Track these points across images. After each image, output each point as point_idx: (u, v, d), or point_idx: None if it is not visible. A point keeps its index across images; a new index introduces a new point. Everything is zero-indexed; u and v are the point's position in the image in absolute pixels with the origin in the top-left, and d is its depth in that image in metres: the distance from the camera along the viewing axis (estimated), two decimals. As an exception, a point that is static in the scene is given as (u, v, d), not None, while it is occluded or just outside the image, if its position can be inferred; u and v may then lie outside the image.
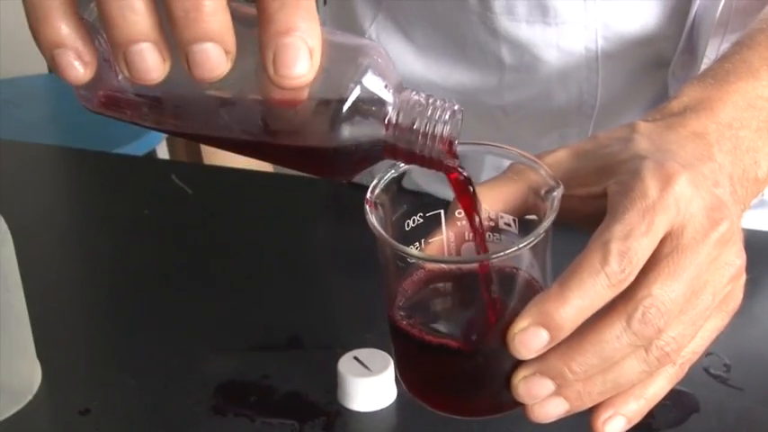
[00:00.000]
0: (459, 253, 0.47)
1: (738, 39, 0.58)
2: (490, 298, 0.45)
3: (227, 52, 0.37)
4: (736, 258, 0.45)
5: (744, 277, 0.46)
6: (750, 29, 0.59)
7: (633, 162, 0.45)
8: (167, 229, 0.80)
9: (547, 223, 0.43)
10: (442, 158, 0.42)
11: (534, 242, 0.43)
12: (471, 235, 0.46)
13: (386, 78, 0.41)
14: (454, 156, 0.42)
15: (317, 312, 0.70)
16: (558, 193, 0.44)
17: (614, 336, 0.42)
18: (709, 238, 0.43)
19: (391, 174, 0.46)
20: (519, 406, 0.45)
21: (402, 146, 0.42)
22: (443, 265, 0.47)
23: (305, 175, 0.92)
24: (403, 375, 0.49)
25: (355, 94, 0.40)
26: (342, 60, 0.40)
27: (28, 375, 0.63)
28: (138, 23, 0.36)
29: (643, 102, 0.75)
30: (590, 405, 0.44)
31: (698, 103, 0.51)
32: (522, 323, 0.42)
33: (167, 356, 0.65)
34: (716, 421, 0.60)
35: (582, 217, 0.47)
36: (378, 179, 0.46)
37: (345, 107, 0.40)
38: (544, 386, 0.43)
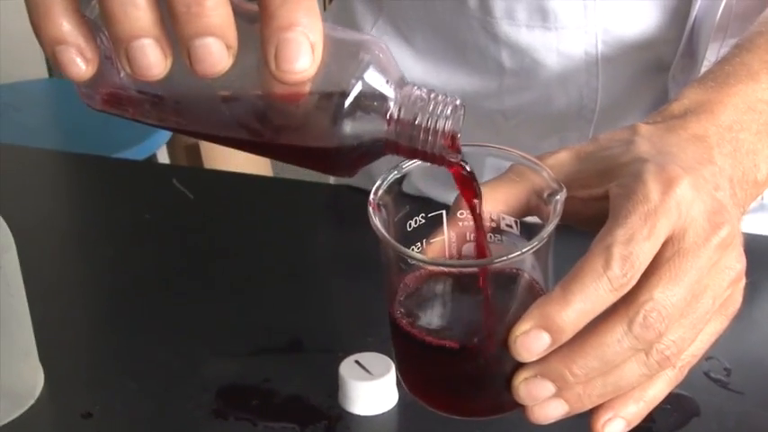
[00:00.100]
0: (460, 253, 0.47)
1: (738, 42, 0.58)
2: (492, 300, 0.45)
3: (228, 47, 0.37)
4: (737, 262, 0.45)
5: (743, 281, 0.46)
6: (750, 32, 0.59)
7: (635, 165, 0.45)
8: (168, 233, 0.81)
9: (550, 227, 0.43)
10: (444, 153, 0.42)
11: (537, 246, 0.43)
12: (473, 232, 0.46)
13: (387, 74, 0.41)
14: (456, 150, 0.42)
15: (318, 316, 0.70)
16: (561, 197, 0.44)
17: (615, 339, 0.42)
18: (710, 242, 0.43)
19: (394, 175, 0.46)
20: (519, 407, 0.45)
21: (404, 141, 0.41)
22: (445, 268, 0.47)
23: (305, 179, 0.92)
24: (404, 375, 0.49)
25: (357, 89, 0.40)
26: (343, 56, 0.40)
27: (30, 379, 0.63)
28: (139, 19, 0.36)
29: (643, 106, 0.75)
30: (590, 407, 0.45)
31: (698, 105, 0.51)
32: (523, 326, 0.42)
33: (169, 360, 0.66)
34: (716, 425, 0.60)
35: (583, 218, 0.47)
36: (380, 180, 0.46)
37: (347, 103, 0.39)
38: (545, 388, 0.43)
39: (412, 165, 0.46)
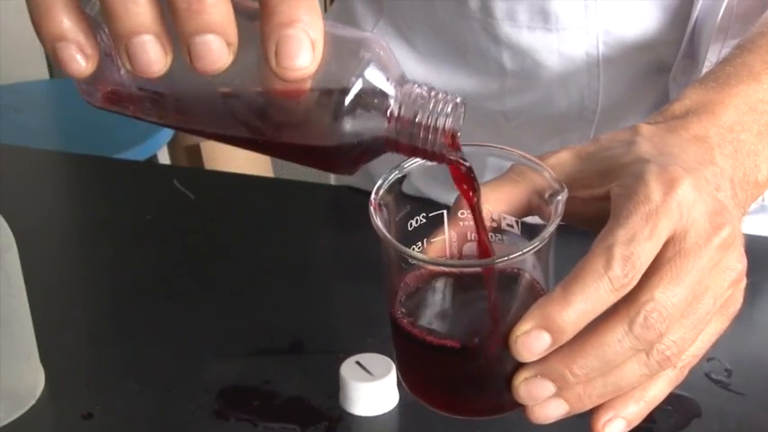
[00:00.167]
0: (461, 253, 0.47)
1: (740, 42, 0.58)
2: (492, 299, 0.45)
3: (228, 44, 0.37)
4: (738, 263, 0.45)
5: (744, 282, 0.46)
6: (751, 32, 0.59)
7: (636, 165, 0.45)
8: (169, 233, 0.81)
9: (551, 228, 0.43)
10: (444, 151, 0.42)
11: (539, 246, 0.43)
12: (474, 232, 0.46)
13: (388, 71, 0.41)
14: (456, 148, 0.42)
15: (319, 317, 0.70)
16: (562, 198, 0.44)
17: (616, 339, 0.42)
18: (711, 242, 0.43)
19: (395, 174, 0.46)
20: (519, 407, 0.45)
21: (404, 139, 0.41)
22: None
23: (306, 180, 0.93)
24: (404, 375, 0.49)
25: (357, 86, 0.40)
26: (344, 53, 0.40)
27: (31, 380, 0.63)
28: (139, 15, 0.36)
29: (644, 107, 0.75)
30: (590, 407, 0.45)
31: (700, 106, 0.51)
32: (524, 326, 0.42)
33: (169, 361, 0.66)
34: (717, 426, 0.60)
35: (584, 219, 0.47)
36: (382, 180, 0.46)
37: (347, 100, 0.39)
38: (545, 388, 0.43)
39: (413, 164, 0.46)
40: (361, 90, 0.40)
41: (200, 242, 0.79)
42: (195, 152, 1.99)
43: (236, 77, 0.39)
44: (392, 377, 0.61)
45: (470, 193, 0.45)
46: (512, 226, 0.47)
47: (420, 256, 0.46)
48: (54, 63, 0.38)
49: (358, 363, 0.61)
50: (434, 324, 0.46)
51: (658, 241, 0.43)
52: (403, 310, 0.46)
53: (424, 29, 0.79)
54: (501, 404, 0.46)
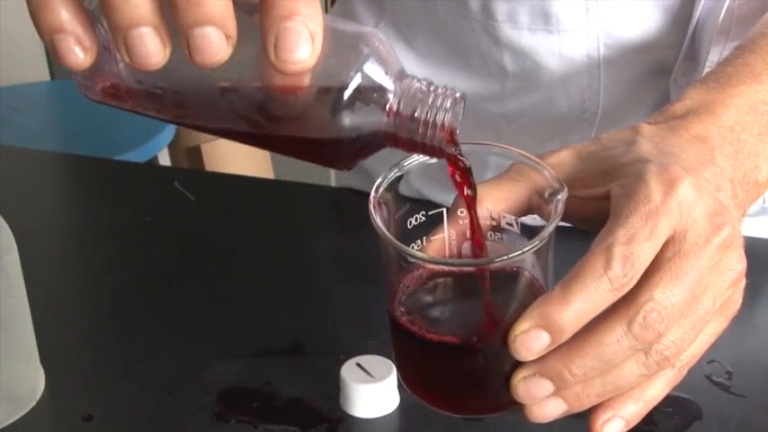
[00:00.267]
0: (460, 251, 0.47)
1: (741, 43, 0.58)
2: (492, 298, 0.45)
3: (227, 37, 0.37)
4: (737, 263, 0.45)
5: (744, 282, 0.46)
6: (752, 33, 0.59)
7: (636, 165, 0.45)
8: (170, 235, 0.81)
9: (551, 227, 0.43)
10: (442, 146, 0.42)
11: (538, 246, 0.43)
12: (469, 228, 0.46)
13: (387, 66, 0.41)
14: (455, 143, 0.42)
15: (320, 319, 0.70)
16: (562, 197, 0.44)
17: (615, 339, 0.42)
18: (711, 242, 0.43)
19: (395, 173, 0.46)
20: (517, 405, 0.45)
21: (403, 133, 0.41)
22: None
23: (307, 181, 0.92)
24: (403, 374, 0.49)
25: (356, 81, 0.40)
26: (343, 47, 0.40)
27: (31, 381, 0.63)
28: (138, 7, 0.36)
29: (645, 109, 0.75)
30: (588, 406, 0.45)
31: (700, 106, 0.51)
32: (523, 325, 0.42)
33: (170, 362, 0.66)
34: (718, 428, 0.60)
35: (583, 218, 0.47)
36: (381, 178, 0.46)
37: (346, 94, 0.39)
38: (543, 387, 0.43)
39: (413, 163, 0.46)
40: (360, 84, 0.40)
41: (201, 244, 0.79)
42: (196, 154, 2.00)
43: (234, 71, 0.39)
44: (393, 379, 0.60)
45: (466, 189, 0.44)
46: (511, 225, 0.47)
47: (419, 254, 0.46)
48: (52, 56, 0.38)
49: (358, 364, 0.61)
50: (433, 322, 0.46)
51: (658, 241, 0.43)
52: (402, 308, 0.46)
53: (424, 30, 0.79)
54: (499, 403, 0.46)
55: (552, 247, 0.45)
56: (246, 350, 0.66)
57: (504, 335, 0.43)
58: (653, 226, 0.42)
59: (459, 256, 0.47)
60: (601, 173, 0.47)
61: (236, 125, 0.41)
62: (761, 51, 0.55)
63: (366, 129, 0.41)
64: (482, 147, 0.47)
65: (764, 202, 0.79)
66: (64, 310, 0.72)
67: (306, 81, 0.39)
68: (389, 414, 0.61)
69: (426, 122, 0.41)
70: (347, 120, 0.40)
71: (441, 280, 0.47)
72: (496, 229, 0.47)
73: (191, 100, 0.41)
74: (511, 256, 0.43)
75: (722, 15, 0.68)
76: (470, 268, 0.46)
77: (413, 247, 0.47)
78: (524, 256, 0.43)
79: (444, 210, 0.47)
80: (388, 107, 0.41)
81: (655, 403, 0.46)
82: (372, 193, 0.45)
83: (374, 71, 0.40)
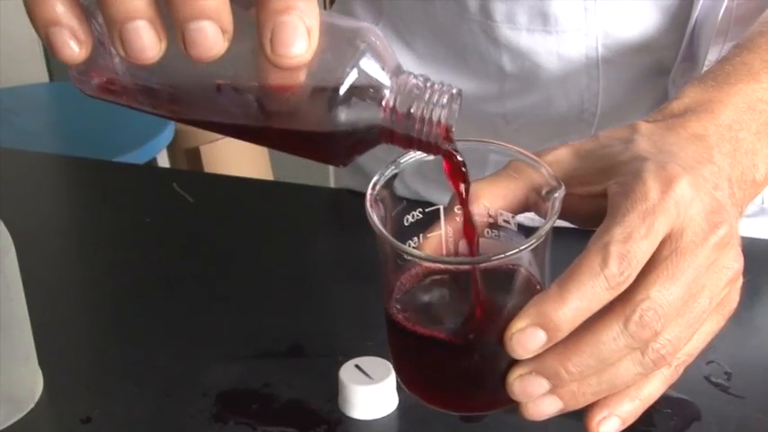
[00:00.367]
0: (457, 249, 0.47)
1: (739, 41, 0.58)
2: (488, 296, 0.45)
3: (223, 31, 0.37)
4: (734, 262, 0.45)
5: (741, 281, 0.46)
6: (750, 32, 0.59)
7: (634, 163, 0.45)
8: (168, 237, 0.81)
9: (548, 225, 0.43)
10: (438, 143, 0.42)
11: (535, 244, 0.43)
12: (462, 225, 0.46)
13: (383, 61, 0.40)
14: (451, 140, 0.42)
15: (319, 320, 0.70)
16: (559, 195, 0.44)
17: (611, 337, 0.42)
18: (708, 241, 0.43)
19: (391, 170, 0.46)
20: (513, 403, 0.45)
21: (399, 129, 0.41)
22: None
23: (306, 183, 0.92)
24: (399, 370, 0.49)
25: (352, 76, 0.39)
26: (339, 43, 0.40)
27: (30, 383, 0.63)
28: (133, 1, 0.36)
29: (644, 109, 0.75)
30: (584, 404, 0.45)
31: (698, 104, 0.51)
32: (520, 323, 0.42)
33: (169, 364, 0.65)
34: (717, 429, 0.60)
35: (581, 216, 0.47)
36: (378, 175, 0.46)
37: (342, 90, 0.39)
38: (539, 385, 0.43)
39: (409, 160, 0.46)
40: (356, 80, 0.39)
41: (200, 245, 0.79)
42: (195, 155, 2.00)
43: (230, 66, 0.39)
44: (391, 380, 0.60)
45: (461, 186, 0.44)
46: (508, 222, 0.47)
47: (415, 252, 0.46)
48: (48, 50, 0.38)
49: (357, 366, 0.61)
50: (429, 319, 0.46)
51: (655, 239, 0.43)
52: (398, 305, 0.46)
53: (423, 31, 0.79)
54: (495, 400, 0.46)
55: (549, 245, 0.45)
56: (245, 352, 0.66)
57: (501, 332, 0.43)
58: (650, 224, 0.42)
59: (456, 253, 0.47)
60: (598, 170, 0.47)
61: (231, 120, 0.41)
62: (759, 50, 0.55)
63: (362, 124, 0.41)
64: (480, 144, 0.47)
65: (763, 203, 0.78)
66: (62, 311, 0.72)
67: (302, 76, 0.39)
68: (388, 415, 0.61)
69: (422, 119, 0.41)
70: (343, 115, 0.40)
71: (437, 277, 0.47)
72: (493, 226, 0.47)
73: (186, 95, 0.41)
74: (508, 254, 0.43)
75: (720, 15, 0.68)
76: (467, 266, 0.46)
77: (409, 245, 0.47)
78: (521, 254, 0.43)
79: (441, 207, 0.47)
80: (384, 103, 0.41)
81: (651, 402, 0.46)
82: (369, 190, 0.45)
83: (370, 67, 0.40)
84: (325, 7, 1.38)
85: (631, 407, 0.45)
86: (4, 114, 1.78)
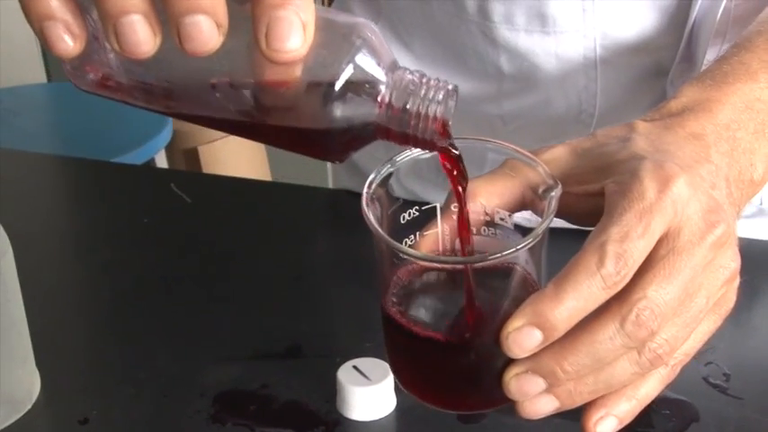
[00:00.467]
0: (453, 247, 0.47)
1: (737, 41, 0.58)
2: (484, 295, 0.45)
3: (218, 25, 0.36)
4: (731, 261, 0.45)
5: (738, 280, 0.46)
6: (748, 31, 0.59)
7: (632, 162, 0.45)
8: (166, 237, 0.80)
9: (545, 224, 0.43)
10: (434, 139, 0.42)
11: (532, 243, 0.43)
12: (458, 222, 0.46)
13: (379, 57, 0.40)
14: (447, 136, 0.42)
15: (317, 321, 0.69)
16: (556, 194, 0.44)
17: (607, 337, 0.42)
18: (705, 240, 0.43)
19: (387, 168, 0.46)
20: (509, 402, 0.45)
21: (395, 125, 0.41)
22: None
23: (304, 183, 0.92)
24: (395, 369, 0.49)
25: (348, 72, 0.39)
26: (335, 38, 0.40)
27: (27, 385, 0.63)
28: None
29: (642, 110, 0.75)
30: (581, 403, 0.45)
31: (696, 104, 0.51)
32: (516, 323, 0.42)
33: (166, 365, 0.65)
34: (715, 430, 0.60)
35: (578, 214, 0.47)
36: (374, 174, 0.46)
37: (338, 85, 0.39)
38: (535, 384, 0.43)
39: (405, 158, 0.46)
40: (351, 75, 0.39)
41: (198, 246, 0.79)
42: (193, 156, 2.00)
43: (225, 61, 0.39)
44: (389, 382, 0.60)
45: (458, 182, 0.44)
46: (505, 220, 0.47)
47: (411, 251, 0.46)
48: (42, 43, 0.38)
49: (355, 367, 0.61)
50: (426, 318, 0.46)
51: (651, 239, 0.42)
52: (394, 304, 0.46)
53: (421, 32, 0.79)
54: (492, 399, 0.46)
55: (546, 244, 0.45)
56: (243, 352, 0.66)
57: (497, 331, 0.42)
58: (647, 223, 0.42)
59: (453, 251, 0.47)
60: (596, 169, 0.47)
61: (226, 116, 0.41)
62: (757, 50, 0.55)
63: (358, 120, 0.40)
64: (477, 143, 0.47)
65: (761, 204, 0.78)
66: (60, 312, 0.72)
67: (297, 71, 0.39)
68: (386, 417, 0.61)
69: (418, 114, 0.41)
70: (338, 111, 0.40)
71: (433, 276, 0.47)
72: (490, 224, 0.47)
73: (181, 90, 0.41)
74: (504, 253, 0.42)
75: (719, 16, 0.68)
76: (462, 266, 0.46)
77: (406, 243, 0.47)
78: (518, 253, 0.43)
79: (438, 205, 0.47)
80: (379, 99, 0.40)
81: (648, 401, 0.46)
82: (365, 189, 0.45)
83: (366, 62, 0.40)
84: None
85: (628, 406, 0.45)
86: (2, 115, 1.78)
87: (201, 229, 0.81)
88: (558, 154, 0.48)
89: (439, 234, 0.47)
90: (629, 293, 0.42)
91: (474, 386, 0.46)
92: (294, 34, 0.37)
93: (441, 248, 0.47)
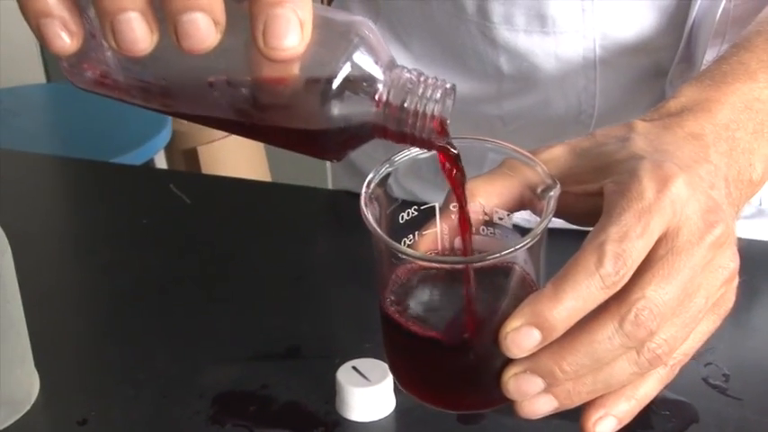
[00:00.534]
0: (452, 245, 0.47)
1: (736, 41, 0.58)
2: (483, 295, 0.45)
3: (216, 23, 0.36)
4: (730, 261, 0.45)
5: (737, 280, 0.46)
6: (747, 31, 0.59)
7: (630, 162, 0.45)
8: (166, 238, 0.80)
9: (544, 224, 0.43)
10: (432, 138, 0.42)
11: (530, 243, 0.43)
12: (458, 221, 0.46)
13: (377, 55, 0.40)
14: (445, 135, 0.42)
15: (316, 322, 0.69)
16: (554, 193, 0.44)
17: (606, 337, 0.42)
18: (704, 240, 0.43)
19: (386, 167, 0.46)
20: (508, 401, 0.45)
21: (392, 124, 0.41)
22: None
23: (304, 184, 0.92)
24: (393, 368, 0.49)
25: (346, 70, 0.39)
26: (333, 36, 0.40)
27: (26, 385, 0.63)
28: None
29: (641, 111, 0.74)
30: (579, 403, 0.45)
31: (695, 104, 0.51)
32: (514, 322, 0.42)
33: (166, 366, 0.65)
34: (715, 431, 0.60)
35: (576, 214, 0.47)
36: (373, 173, 0.46)
37: (335, 83, 0.39)
38: (534, 384, 0.43)
39: (404, 157, 0.46)
40: (349, 74, 0.39)
41: (197, 247, 0.79)
42: (192, 156, 1.99)
43: (223, 59, 0.39)
44: (389, 382, 0.60)
45: (456, 181, 0.44)
46: (503, 220, 0.47)
47: (409, 251, 0.46)
48: (39, 41, 0.38)
49: (354, 368, 0.61)
50: (424, 317, 0.46)
51: (650, 239, 0.42)
52: (393, 304, 0.46)
53: (420, 32, 0.79)
54: (490, 399, 0.46)
55: (545, 243, 0.45)
56: (242, 353, 0.66)
57: (496, 331, 0.42)
58: (645, 223, 0.42)
59: (452, 250, 0.47)
60: (595, 169, 0.47)
61: (223, 114, 0.41)
62: (756, 50, 0.55)
63: (355, 119, 0.40)
64: (476, 142, 0.47)
65: (761, 204, 0.78)
66: (59, 313, 0.72)
67: (294, 69, 0.39)
68: (385, 418, 0.61)
69: (416, 113, 0.41)
70: (336, 109, 0.39)
71: (431, 275, 0.47)
72: (489, 223, 0.47)
73: (178, 89, 0.41)
74: (503, 253, 0.42)
75: (718, 16, 0.68)
76: (461, 266, 0.46)
77: (404, 242, 0.47)
78: (517, 252, 0.43)
79: (437, 204, 0.47)
80: (377, 97, 0.40)
81: (647, 401, 0.46)
82: (364, 189, 0.45)
83: (364, 60, 0.40)
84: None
85: (627, 406, 0.45)
86: (2, 115, 1.78)
87: (201, 230, 0.81)
88: (557, 153, 0.48)
89: (438, 234, 0.47)
90: (628, 293, 0.42)
91: (472, 386, 0.46)
92: (291, 32, 0.36)
93: (440, 248, 0.47)
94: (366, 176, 0.46)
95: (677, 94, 0.52)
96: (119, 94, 0.42)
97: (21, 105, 1.83)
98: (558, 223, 0.46)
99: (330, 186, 0.92)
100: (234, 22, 0.37)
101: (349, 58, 0.39)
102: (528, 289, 0.45)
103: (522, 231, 0.45)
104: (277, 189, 0.93)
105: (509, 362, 0.44)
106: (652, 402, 0.46)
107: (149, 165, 1.70)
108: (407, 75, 0.41)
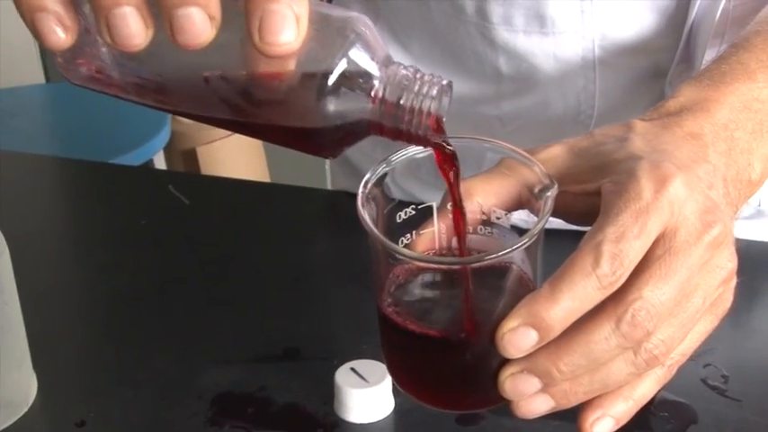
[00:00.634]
0: (449, 245, 0.47)
1: (735, 41, 0.58)
2: (480, 295, 0.45)
3: (211, 18, 0.36)
4: (728, 262, 0.45)
5: (734, 280, 0.46)
6: (746, 31, 0.59)
7: (629, 162, 0.45)
8: (164, 239, 0.80)
9: (541, 224, 0.43)
10: (428, 135, 0.41)
11: (528, 243, 0.43)
12: (453, 220, 0.46)
13: (373, 52, 0.40)
14: (441, 132, 0.42)
15: (315, 323, 0.69)
16: (552, 193, 0.44)
17: (603, 337, 0.42)
18: (701, 240, 0.43)
19: (383, 167, 0.46)
20: (505, 401, 0.45)
21: (388, 121, 0.41)
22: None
23: (303, 185, 0.92)
24: (391, 368, 0.49)
25: (342, 66, 0.39)
26: (329, 32, 0.39)
27: (24, 387, 0.63)
28: None
29: (640, 111, 0.74)
30: (576, 403, 0.44)
31: (694, 103, 0.51)
32: (511, 323, 0.42)
33: (164, 368, 0.65)
34: (714, 432, 0.60)
35: (574, 213, 0.47)
36: (370, 173, 0.46)
37: (331, 80, 0.39)
38: (531, 384, 0.43)
39: (401, 157, 0.46)
40: (345, 70, 0.39)
41: (196, 247, 0.79)
42: (192, 157, 1.99)
43: (218, 55, 0.39)
44: (387, 384, 0.60)
45: (453, 179, 0.44)
46: (501, 219, 0.47)
47: (406, 252, 0.46)
48: (33, 35, 0.38)
49: (353, 369, 0.61)
50: (421, 317, 0.46)
51: (648, 239, 0.42)
52: (390, 303, 0.46)
53: (420, 33, 0.79)
54: (487, 398, 0.45)
55: (542, 243, 0.44)
56: (241, 355, 0.66)
57: (493, 331, 0.42)
58: (643, 224, 0.42)
59: (449, 250, 0.47)
60: (593, 168, 0.46)
61: (219, 111, 0.40)
62: (755, 49, 0.55)
63: (351, 115, 0.40)
64: (474, 142, 0.47)
65: (760, 205, 0.78)
66: (57, 314, 0.72)
67: (290, 65, 0.39)
68: (384, 419, 0.61)
69: (412, 110, 0.41)
70: (332, 106, 0.39)
71: (428, 275, 0.47)
72: (486, 223, 0.47)
73: (174, 85, 0.41)
74: (501, 253, 0.42)
75: (717, 17, 0.68)
76: (458, 266, 0.46)
77: (402, 241, 0.47)
78: (514, 252, 0.43)
79: (434, 204, 0.47)
80: (373, 93, 0.40)
81: (645, 402, 0.45)
82: (361, 189, 0.45)
83: (360, 57, 0.39)
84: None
85: (625, 407, 0.45)
86: (1, 116, 1.78)
87: (199, 231, 0.81)
88: (555, 153, 0.48)
89: (435, 233, 0.47)
90: (625, 294, 0.42)
91: (470, 385, 0.46)
92: (287, 27, 0.36)
93: (437, 247, 0.47)
94: (363, 176, 0.46)
95: (676, 94, 0.52)
96: (114, 90, 0.42)
97: (20, 106, 1.83)
98: (556, 223, 0.46)
99: (329, 187, 0.92)
100: (229, 18, 0.37)
101: (345, 54, 0.39)
102: (525, 289, 0.45)
103: (520, 231, 0.45)
104: (276, 190, 0.93)
105: (506, 362, 0.43)
106: (651, 403, 0.46)
107: (148, 165, 1.70)
108: (404, 71, 0.41)
